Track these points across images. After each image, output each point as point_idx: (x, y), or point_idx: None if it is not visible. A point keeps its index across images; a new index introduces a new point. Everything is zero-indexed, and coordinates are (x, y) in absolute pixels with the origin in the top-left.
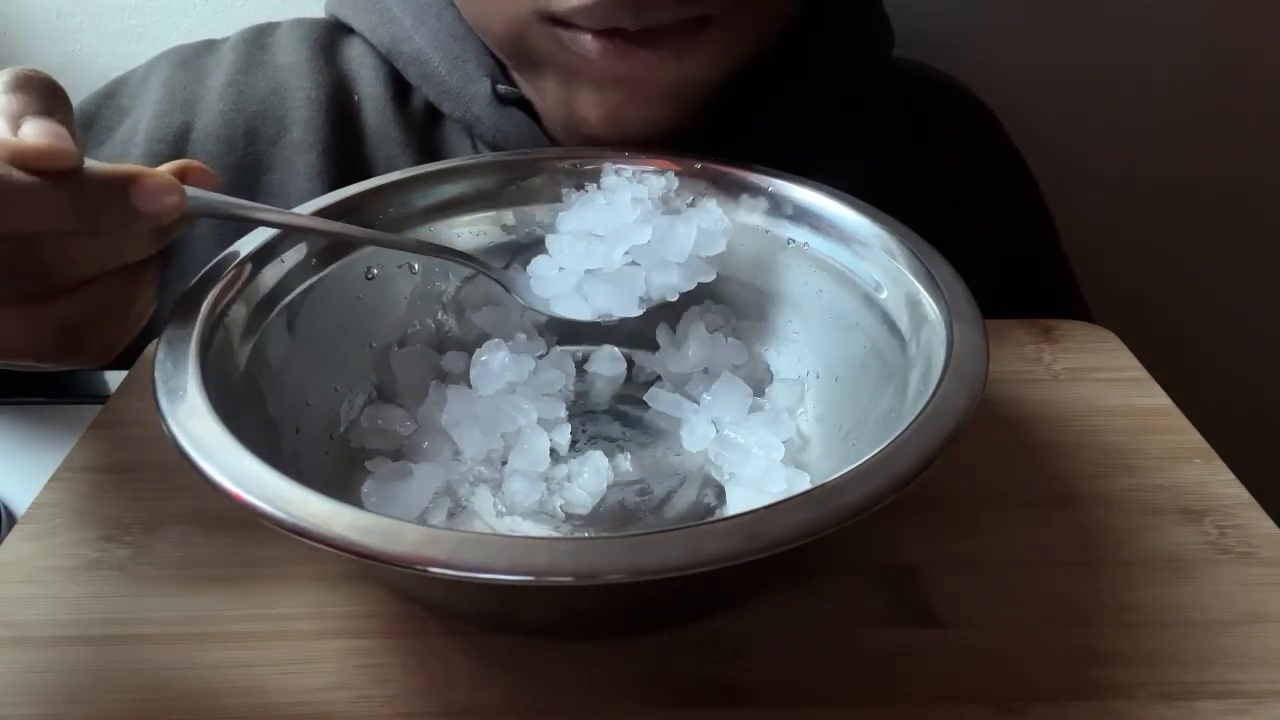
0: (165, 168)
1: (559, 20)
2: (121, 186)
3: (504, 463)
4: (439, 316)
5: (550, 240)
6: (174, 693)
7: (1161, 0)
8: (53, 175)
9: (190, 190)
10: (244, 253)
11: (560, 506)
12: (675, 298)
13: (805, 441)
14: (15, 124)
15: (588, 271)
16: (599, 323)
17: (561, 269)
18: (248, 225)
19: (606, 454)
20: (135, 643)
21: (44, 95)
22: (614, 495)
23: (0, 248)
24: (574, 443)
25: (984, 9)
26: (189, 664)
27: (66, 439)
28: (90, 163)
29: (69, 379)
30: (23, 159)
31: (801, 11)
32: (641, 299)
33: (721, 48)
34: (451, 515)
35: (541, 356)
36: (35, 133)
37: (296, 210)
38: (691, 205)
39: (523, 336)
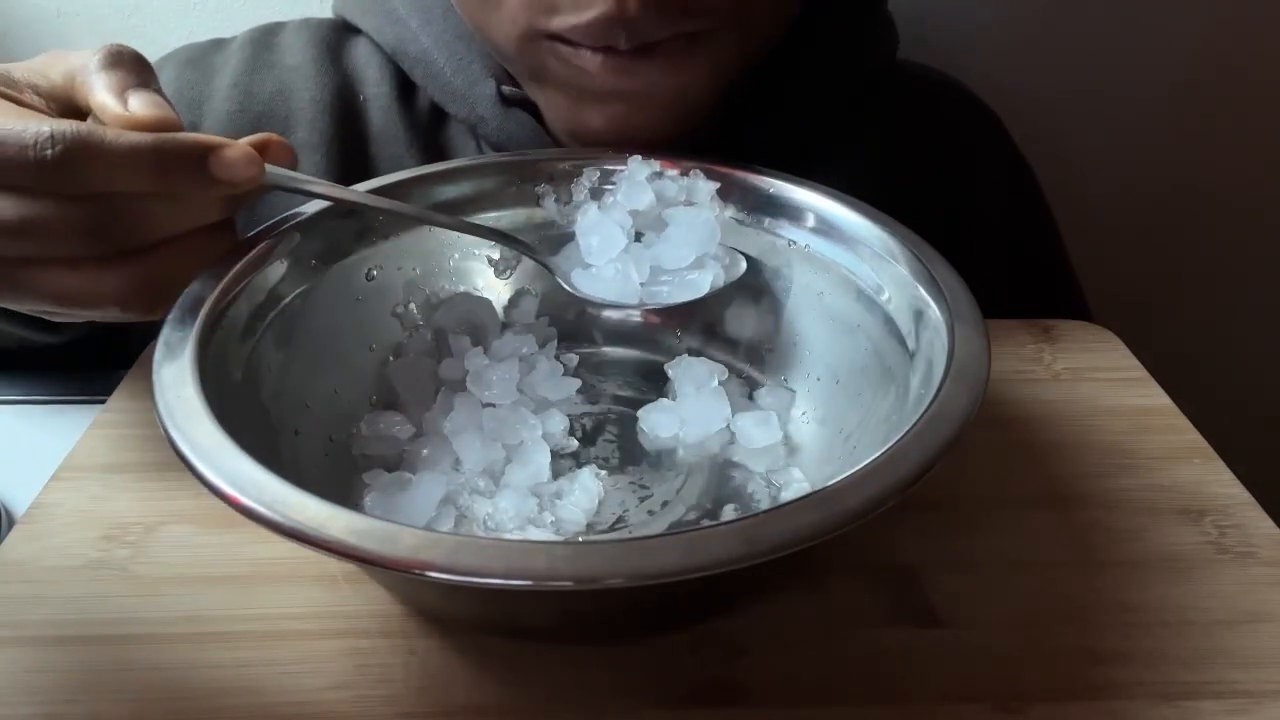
0: (247, 140)
1: (559, 36)
2: (202, 155)
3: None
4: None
5: (581, 223)
6: (174, 693)
7: (1163, 4)
8: (144, 141)
9: (272, 168)
10: (244, 253)
11: (551, 523)
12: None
13: (795, 446)
14: (121, 97)
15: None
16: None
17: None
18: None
19: (600, 463)
20: (135, 643)
21: (137, 68)
22: (614, 499)
23: (91, 206)
24: (574, 453)
25: (987, 12)
26: (189, 664)
27: (66, 439)
28: (176, 135)
29: (70, 378)
30: (136, 129)
31: (805, 12)
32: (679, 287)
33: (715, 61)
34: (457, 525)
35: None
36: (142, 105)
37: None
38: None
39: (510, 335)
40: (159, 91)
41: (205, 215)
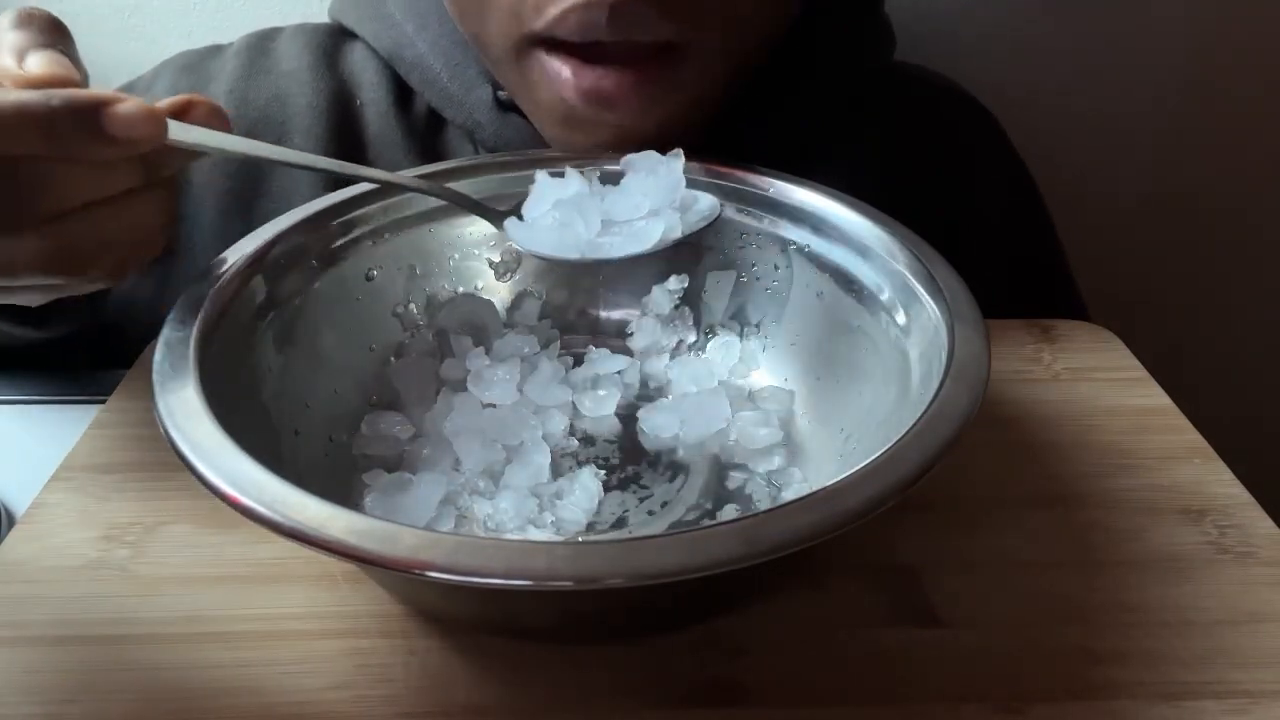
0: (167, 101)
1: (548, 41)
2: (93, 112)
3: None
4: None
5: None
6: (174, 693)
7: (1161, 6)
8: (29, 98)
9: (187, 127)
10: (244, 253)
11: (551, 523)
12: (660, 241)
13: (795, 446)
14: (20, 58)
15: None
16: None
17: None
18: (255, 206)
19: (600, 463)
20: (135, 643)
21: (47, 30)
22: (614, 499)
23: None
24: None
25: (984, 14)
26: (189, 664)
27: (66, 439)
28: (66, 90)
29: (70, 378)
30: (30, 89)
31: (804, 13)
32: (626, 238)
33: (700, 79)
34: (458, 525)
35: (535, 354)
36: (38, 63)
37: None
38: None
39: (512, 335)
40: (66, 52)
41: (121, 180)
